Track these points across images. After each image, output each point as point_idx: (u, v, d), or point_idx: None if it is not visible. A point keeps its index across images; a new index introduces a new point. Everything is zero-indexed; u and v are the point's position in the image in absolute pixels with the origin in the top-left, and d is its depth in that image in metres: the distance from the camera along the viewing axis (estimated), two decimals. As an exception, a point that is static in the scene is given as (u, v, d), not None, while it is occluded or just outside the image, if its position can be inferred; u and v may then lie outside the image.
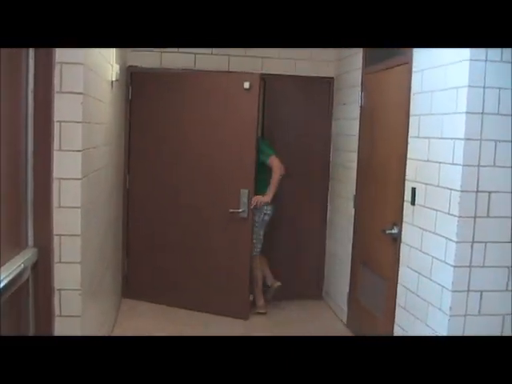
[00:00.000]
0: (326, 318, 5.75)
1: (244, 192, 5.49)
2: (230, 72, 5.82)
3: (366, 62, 5.16)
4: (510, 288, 3.57)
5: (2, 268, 2.58)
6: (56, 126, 3.12)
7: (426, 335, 3.79)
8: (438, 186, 3.72)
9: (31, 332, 3.08)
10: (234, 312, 5.60)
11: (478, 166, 3.46)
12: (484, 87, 3.41)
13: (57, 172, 3.15)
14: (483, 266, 3.53)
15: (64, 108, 3.13)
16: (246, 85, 5.37)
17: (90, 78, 3.48)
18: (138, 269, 5.97)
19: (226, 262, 5.65)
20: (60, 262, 3.21)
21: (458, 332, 3.54)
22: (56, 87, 3.10)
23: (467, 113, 3.42)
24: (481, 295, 3.55)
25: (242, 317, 5.58)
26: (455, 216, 3.50)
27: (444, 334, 3.57)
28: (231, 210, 5.51)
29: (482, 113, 3.43)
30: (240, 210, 5.50)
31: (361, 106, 5.25)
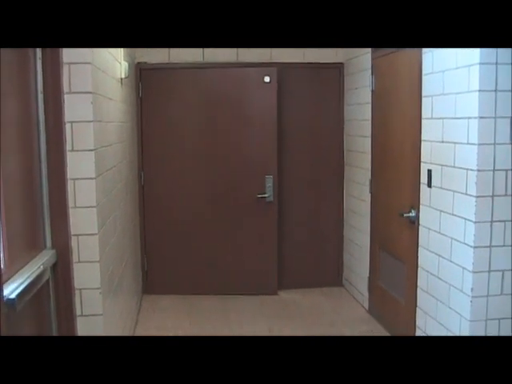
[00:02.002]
0: (348, 305, 5.74)
1: (269, 178, 5.84)
2: (247, 66, 5.88)
3: (375, 46, 5.12)
4: (531, 266, 3.54)
5: (22, 270, 2.59)
6: (67, 126, 3.12)
7: (445, 335, 3.77)
8: (453, 166, 3.69)
9: (54, 332, 3.10)
10: (263, 290, 6.04)
11: (494, 144, 3.42)
12: (496, 64, 3.37)
13: (71, 172, 3.15)
14: (503, 246, 3.50)
15: (74, 108, 3.13)
16: (267, 79, 5.78)
17: (99, 77, 3.48)
18: (158, 264, 6.05)
19: (254, 245, 6.05)
20: (79, 261, 3.22)
21: (481, 313, 3.52)
22: (65, 88, 3.10)
23: (480, 91, 3.38)
24: (502, 275, 3.52)
25: (271, 293, 6.05)
26: (473, 196, 3.47)
27: (467, 315, 3.55)
28: (259, 196, 5.87)
29: (495, 90, 3.39)
30: (266, 195, 5.85)
31: (372, 90, 5.21)
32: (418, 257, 4.28)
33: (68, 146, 3.13)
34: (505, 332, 3.55)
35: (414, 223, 4.32)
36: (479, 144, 3.42)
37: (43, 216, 3.06)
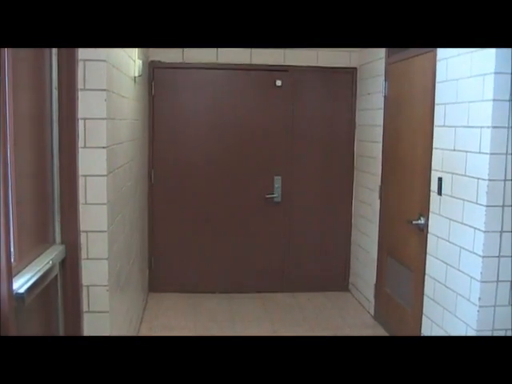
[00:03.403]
0: (353, 310, 5.73)
1: (277, 179, 5.96)
2: (260, 69, 5.94)
3: (390, 51, 5.11)
4: (540, 277, 3.53)
5: (32, 265, 2.61)
6: (80, 123, 3.13)
7: (449, 335, 3.76)
8: (464, 175, 3.68)
9: (60, 328, 3.11)
10: (268, 290, 6.15)
11: (506, 154, 3.41)
12: (511, 73, 3.35)
13: (82, 169, 3.16)
14: (512, 256, 3.49)
15: (88, 105, 3.14)
16: (279, 82, 5.93)
17: (113, 75, 3.49)
18: (164, 262, 6.07)
19: (262, 244, 6.17)
20: (87, 258, 3.23)
21: (487, 323, 3.51)
22: (80, 84, 3.11)
23: (494, 100, 3.37)
24: (511, 285, 3.51)
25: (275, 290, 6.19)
26: (483, 205, 3.46)
27: (473, 325, 3.54)
28: (267, 196, 6.00)
29: (509, 100, 3.37)
30: (274, 195, 5.96)
31: (385, 96, 5.20)
32: (425, 264, 4.27)
33: (80, 143, 3.14)
34: (511, 343, 3.53)
35: (423, 231, 4.31)
36: (491, 153, 3.40)
37: (53, 211, 3.07)
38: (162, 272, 6.08)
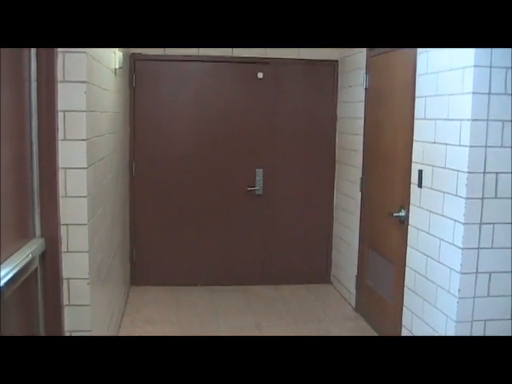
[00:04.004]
0: (335, 303, 5.76)
1: (259, 171, 6.00)
2: (241, 62, 5.92)
3: (371, 44, 5.12)
4: (518, 269, 3.57)
5: (11, 258, 2.58)
6: (60, 115, 3.10)
7: (431, 335, 3.80)
8: (444, 167, 3.70)
9: (41, 321, 3.09)
10: (250, 280, 6.19)
11: (485, 146, 3.43)
12: (490, 67, 3.38)
13: (62, 161, 3.14)
14: (491, 248, 3.52)
15: (68, 97, 3.11)
16: (260, 75, 5.92)
17: (94, 67, 3.47)
18: (146, 255, 6.06)
19: (244, 237, 6.19)
20: (68, 251, 3.21)
21: (467, 314, 3.54)
22: (59, 76, 3.08)
23: (474, 93, 3.39)
24: (489, 277, 3.54)
25: (257, 283, 6.21)
26: (462, 198, 3.48)
27: (453, 316, 3.57)
28: (249, 189, 6.02)
29: (488, 93, 3.40)
30: (256, 188, 6.01)
31: (366, 89, 5.22)
32: (406, 256, 4.30)
33: (60, 135, 3.12)
34: (490, 333, 3.57)
35: (404, 223, 4.34)
36: (471, 146, 3.43)
37: (33, 204, 3.05)
38: (144, 265, 6.06)
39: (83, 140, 3.17)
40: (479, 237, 3.50)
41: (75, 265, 3.24)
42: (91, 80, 3.35)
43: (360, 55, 5.35)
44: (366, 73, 5.20)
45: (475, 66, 3.37)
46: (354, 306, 5.54)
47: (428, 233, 3.94)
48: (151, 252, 6.05)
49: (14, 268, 2.50)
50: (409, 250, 4.26)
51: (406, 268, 4.29)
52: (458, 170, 3.53)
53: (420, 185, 4.04)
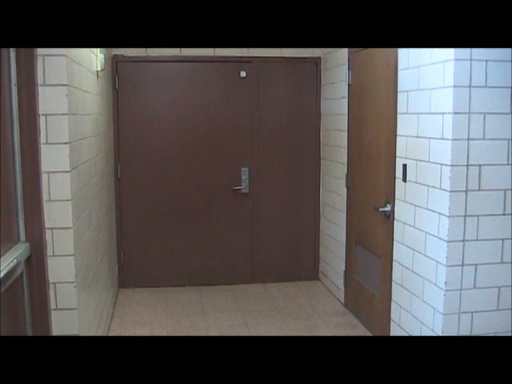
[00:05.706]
0: (324, 299, 5.77)
1: (244, 170, 6.00)
2: (224, 61, 5.93)
3: (352, 40, 5.13)
4: (504, 260, 3.59)
5: (-5, 264, 2.57)
6: (42, 119, 3.09)
7: (419, 329, 3.81)
8: (428, 161, 3.72)
9: (28, 326, 3.08)
10: (238, 282, 6.20)
11: (468, 139, 3.45)
12: (471, 60, 3.40)
13: (45, 165, 3.12)
14: (477, 240, 3.55)
15: (49, 101, 3.10)
16: (243, 74, 5.96)
17: (74, 69, 3.45)
18: (134, 257, 6.04)
19: (231, 236, 6.19)
20: (53, 255, 3.20)
21: (454, 306, 3.56)
22: (39, 80, 3.07)
23: (455, 86, 3.41)
24: (475, 269, 3.57)
25: (245, 282, 6.24)
26: (447, 191, 3.50)
27: (440, 308, 3.59)
28: (235, 188, 6.03)
29: (469, 86, 3.42)
30: (242, 187, 6.00)
31: (349, 85, 5.23)
32: (392, 251, 4.32)
33: (42, 139, 3.10)
34: (477, 325, 3.60)
35: (389, 217, 4.36)
36: (453, 139, 3.45)
37: (17, 209, 3.03)
38: (132, 267, 6.04)
39: (66, 143, 3.16)
40: (464, 229, 3.53)
41: (61, 269, 3.22)
42: (72, 83, 3.33)
43: (342, 52, 5.36)
44: (349, 69, 5.21)
45: (455, 60, 3.39)
46: (342, 301, 5.56)
47: (413, 226, 3.96)
48: (139, 254, 6.03)
49: (-2, 274, 2.48)
50: (395, 244, 4.28)
51: (393, 262, 4.31)
52: (441, 164, 3.55)
53: (404, 179, 4.06)
